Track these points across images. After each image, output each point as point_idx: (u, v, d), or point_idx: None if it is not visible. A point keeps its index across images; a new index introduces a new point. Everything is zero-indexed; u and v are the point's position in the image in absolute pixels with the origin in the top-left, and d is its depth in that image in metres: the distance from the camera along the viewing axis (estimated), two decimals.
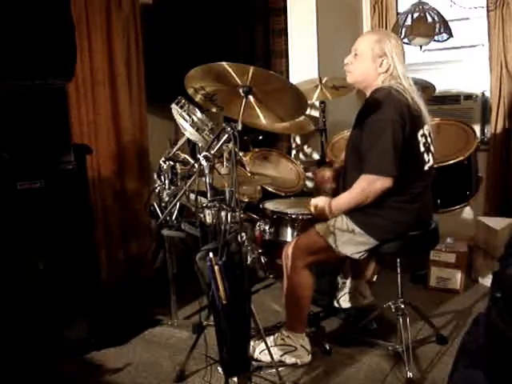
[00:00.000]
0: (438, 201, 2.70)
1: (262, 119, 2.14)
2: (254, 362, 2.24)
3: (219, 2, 3.65)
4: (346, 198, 2.17)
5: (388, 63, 2.13)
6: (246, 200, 2.82)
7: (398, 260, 2.35)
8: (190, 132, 2.16)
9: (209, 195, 1.93)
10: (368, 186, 2.07)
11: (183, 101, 2.19)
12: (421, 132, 2.14)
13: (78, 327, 2.43)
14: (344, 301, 2.77)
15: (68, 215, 2.38)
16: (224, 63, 1.86)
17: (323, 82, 3.40)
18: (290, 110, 2.12)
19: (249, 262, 2.67)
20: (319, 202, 2.25)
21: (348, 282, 2.80)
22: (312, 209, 2.27)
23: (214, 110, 2.15)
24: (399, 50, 2.15)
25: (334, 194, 2.39)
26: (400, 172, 2.06)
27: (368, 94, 2.23)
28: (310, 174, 3.52)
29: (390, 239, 2.18)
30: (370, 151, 2.07)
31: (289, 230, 2.65)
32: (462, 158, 2.72)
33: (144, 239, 3.36)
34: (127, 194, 3.28)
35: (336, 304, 2.78)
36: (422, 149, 2.15)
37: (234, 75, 1.89)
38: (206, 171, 1.90)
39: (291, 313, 2.35)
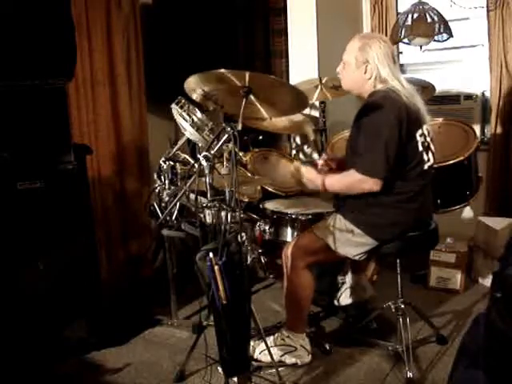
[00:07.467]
0: (438, 201, 2.69)
1: (264, 113, 2.15)
2: (253, 362, 2.24)
3: (219, 2, 3.65)
4: (336, 182, 2.18)
5: (371, 69, 2.14)
6: (246, 200, 2.82)
7: (398, 260, 2.35)
8: (190, 132, 2.16)
9: (209, 195, 1.93)
10: (355, 183, 2.10)
11: (183, 101, 2.19)
12: (419, 132, 2.14)
13: (78, 327, 2.43)
14: (345, 297, 2.74)
15: (68, 215, 2.38)
16: (222, 70, 1.87)
17: (323, 82, 3.39)
18: (291, 107, 2.14)
19: (249, 262, 2.67)
20: (308, 173, 2.24)
21: (348, 277, 2.78)
22: (292, 168, 2.27)
23: (212, 108, 2.15)
24: (384, 53, 2.13)
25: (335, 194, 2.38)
26: (399, 172, 2.08)
27: (365, 97, 2.23)
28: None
29: (389, 239, 2.18)
30: (364, 151, 2.09)
31: (289, 230, 2.65)
32: (462, 158, 2.71)
33: (144, 239, 3.36)
34: (127, 194, 3.28)
35: (336, 302, 2.76)
36: (421, 148, 2.15)
37: (233, 79, 1.90)
38: (206, 171, 1.91)
39: (291, 313, 2.35)
